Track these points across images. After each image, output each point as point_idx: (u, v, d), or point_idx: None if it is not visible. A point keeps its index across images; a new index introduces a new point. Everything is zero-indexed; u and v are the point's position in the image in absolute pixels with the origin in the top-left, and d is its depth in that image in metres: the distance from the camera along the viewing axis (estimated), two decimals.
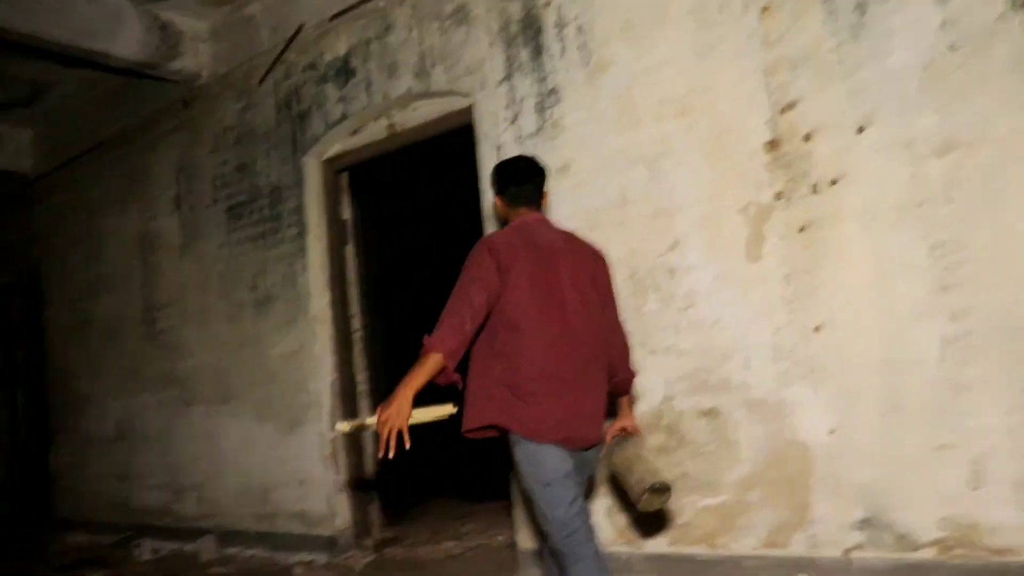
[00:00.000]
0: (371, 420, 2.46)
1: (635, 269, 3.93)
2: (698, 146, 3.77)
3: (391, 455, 2.35)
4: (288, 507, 5.51)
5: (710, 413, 3.71)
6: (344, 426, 2.66)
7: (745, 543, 3.58)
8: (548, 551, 2.76)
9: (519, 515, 4.32)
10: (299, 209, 5.48)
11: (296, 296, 5.49)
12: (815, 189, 3.43)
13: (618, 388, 2.89)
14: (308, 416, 5.38)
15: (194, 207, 6.27)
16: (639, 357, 3.87)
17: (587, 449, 2.70)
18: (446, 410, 2.62)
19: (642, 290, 3.91)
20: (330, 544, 5.25)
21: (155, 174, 6.62)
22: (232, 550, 5.82)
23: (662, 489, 2.62)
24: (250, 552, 5.69)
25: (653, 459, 2.85)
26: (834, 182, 3.38)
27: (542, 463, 2.52)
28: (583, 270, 2.72)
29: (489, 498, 6.09)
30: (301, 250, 5.46)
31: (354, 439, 5.37)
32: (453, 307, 2.50)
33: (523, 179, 2.81)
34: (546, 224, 2.79)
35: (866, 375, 3.29)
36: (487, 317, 2.55)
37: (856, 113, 3.31)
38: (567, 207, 4.13)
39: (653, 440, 3.84)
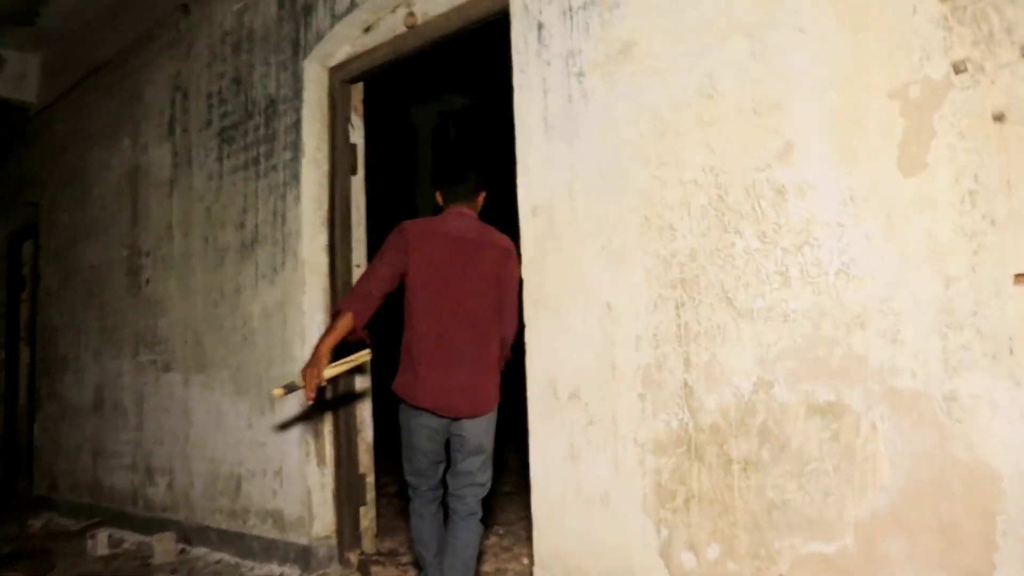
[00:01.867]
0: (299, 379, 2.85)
1: (723, 190, 2.63)
2: (828, 1, 2.45)
3: (310, 401, 2.92)
4: (261, 504, 4.37)
5: (829, 410, 2.37)
6: (278, 391, 2.94)
7: None
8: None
9: (540, 535, 3.07)
10: (296, 126, 4.33)
11: (284, 236, 4.35)
12: None
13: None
14: None
15: (187, 131, 5.21)
16: (725, 318, 2.57)
17: (459, 419, 2.97)
18: (363, 356, 3.10)
19: (731, 220, 2.60)
20: (304, 556, 4.07)
21: (149, 96, 5.60)
22: (197, 551, 4.71)
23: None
24: (216, 557, 4.57)
25: None
26: None
27: (414, 428, 3.00)
28: (487, 262, 3.03)
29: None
30: (295, 178, 4.32)
31: (348, 420, 4.19)
32: (363, 277, 3.04)
33: (457, 181, 3.16)
34: (467, 218, 3.11)
35: None
36: (401, 289, 3.02)
37: None
38: (625, 107, 2.87)
39: (736, 449, 2.53)
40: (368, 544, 4.22)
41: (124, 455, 5.55)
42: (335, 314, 2.96)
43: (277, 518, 4.25)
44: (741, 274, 2.57)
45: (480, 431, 2.98)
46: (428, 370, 2.91)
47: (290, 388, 2.93)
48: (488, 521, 3.37)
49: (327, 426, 4.14)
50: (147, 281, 5.48)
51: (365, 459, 4.26)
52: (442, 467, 3.11)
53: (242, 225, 4.65)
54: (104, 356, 5.90)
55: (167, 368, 5.18)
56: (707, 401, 2.62)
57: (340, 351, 3.02)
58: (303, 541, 4.08)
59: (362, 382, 4.28)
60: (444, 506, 3.13)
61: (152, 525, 5.15)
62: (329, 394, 4.14)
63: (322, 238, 4.27)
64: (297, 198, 4.28)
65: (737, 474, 2.54)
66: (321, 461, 4.11)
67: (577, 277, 2.98)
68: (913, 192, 2.28)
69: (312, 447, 4.10)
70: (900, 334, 2.27)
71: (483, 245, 3.03)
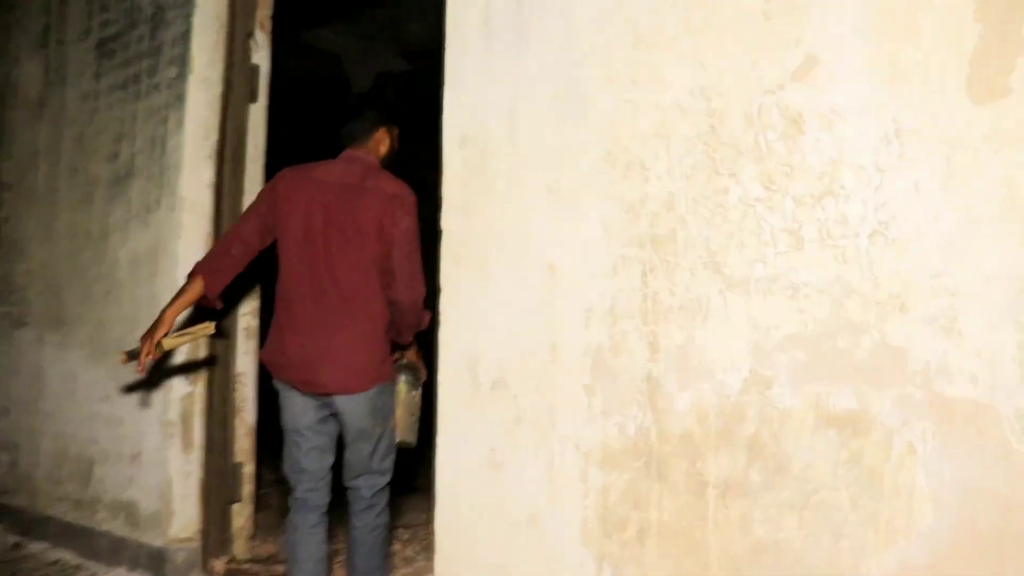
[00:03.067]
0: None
1: (716, 118, 1.95)
2: None
3: (140, 372, 2.60)
4: (115, 493, 3.57)
5: (849, 422, 1.72)
6: (121, 356, 2.54)
7: None
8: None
9: (444, 561, 2.36)
10: (185, 37, 3.52)
11: (162, 170, 3.54)
12: None
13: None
14: None
15: (62, 42, 4.32)
16: (710, 289, 1.89)
17: (329, 395, 2.48)
18: (205, 329, 2.64)
19: (725, 159, 1.93)
20: (157, 560, 3.30)
21: None
22: (34, 547, 3.88)
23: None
24: (54, 555, 3.75)
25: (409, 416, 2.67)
26: None
27: (284, 407, 2.58)
28: (366, 211, 2.46)
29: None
30: (179, 100, 3.51)
31: (226, 396, 3.42)
32: (225, 234, 2.68)
33: (351, 117, 2.67)
34: (355, 162, 2.58)
35: None
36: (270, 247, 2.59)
37: None
38: (590, 7, 2.17)
39: (715, 467, 1.86)
40: (241, 548, 3.46)
41: None
42: (189, 275, 2.55)
43: (131, 512, 3.47)
44: (735, 231, 1.90)
45: (360, 412, 2.49)
46: (292, 337, 2.48)
47: (132, 355, 2.50)
48: (390, 521, 2.69)
49: (198, 403, 3.36)
50: (6, 219, 4.59)
51: (244, 444, 3.50)
52: (326, 462, 2.59)
53: (115, 156, 3.82)
54: None
55: (20, 323, 4.32)
56: (678, 400, 1.94)
57: (201, 318, 2.68)
58: (158, 542, 3.30)
59: (245, 351, 3.51)
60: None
61: None
62: (188, 364, 3.36)
63: (207, 173, 3.48)
64: (180, 123, 3.48)
65: (713, 501, 1.86)
66: (187, 445, 3.33)
67: (513, 227, 2.27)
68: (987, 125, 1.63)
69: (177, 428, 3.32)
70: (956, 322, 1.62)
71: (364, 191, 2.49)
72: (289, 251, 2.51)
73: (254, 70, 3.61)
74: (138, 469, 3.44)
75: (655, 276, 2.00)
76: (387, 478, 2.60)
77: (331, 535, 2.66)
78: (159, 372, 3.37)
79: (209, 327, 2.62)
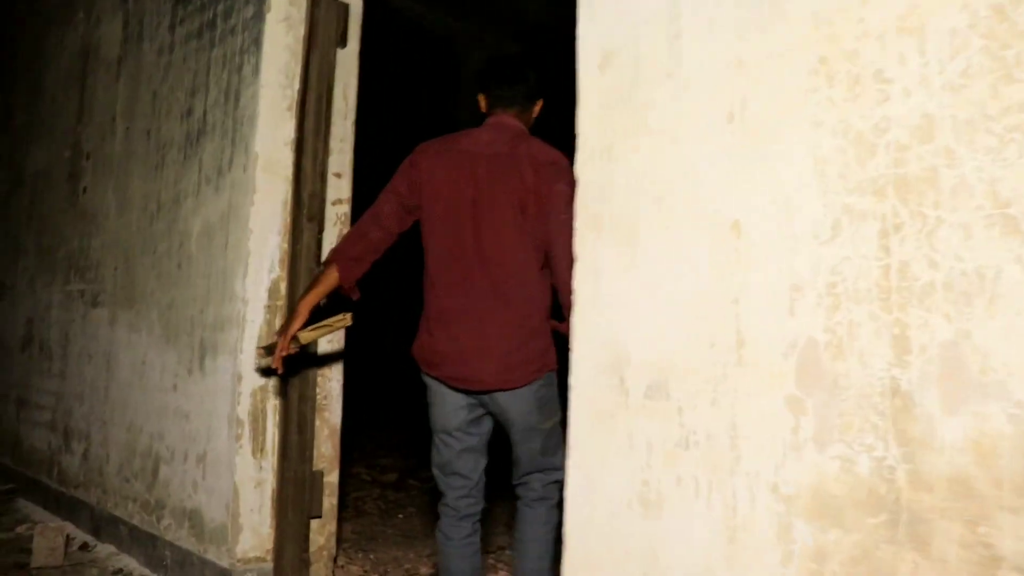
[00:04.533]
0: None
1: None
2: None
3: (278, 369, 2.37)
4: (179, 498, 3.12)
5: None
6: (259, 352, 2.60)
7: None
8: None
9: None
10: None
11: (235, 124, 3.05)
12: None
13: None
14: (224, 340, 2.95)
15: None
16: (999, 257, 1.21)
17: (489, 392, 2.26)
18: (342, 321, 2.46)
19: None
20: None
21: None
22: (101, 550, 3.50)
23: None
24: (119, 563, 3.34)
25: None
26: None
27: (433, 404, 2.35)
28: (520, 183, 2.24)
29: None
30: (255, 43, 3.01)
31: (305, 392, 2.91)
32: (362, 218, 2.41)
33: (509, 79, 2.42)
34: (506, 130, 2.36)
35: None
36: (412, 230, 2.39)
37: None
38: None
39: (1016, 532, 1.18)
40: (323, 571, 2.95)
41: (45, 409, 4.35)
42: (325, 262, 2.44)
43: (195, 522, 3.00)
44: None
45: (525, 408, 2.28)
46: (441, 328, 2.29)
47: (269, 350, 2.43)
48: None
49: (272, 400, 2.86)
50: (84, 190, 4.24)
51: (326, 449, 2.98)
52: (481, 465, 2.39)
53: (189, 112, 3.36)
54: (37, 283, 4.70)
55: (95, 302, 3.95)
56: (944, 427, 1.27)
57: (334, 308, 2.49)
58: (224, 562, 2.82)
59: (329, 339, 2.99)
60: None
61: (64, 504, 3.97)
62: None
63: (287, 128, 2.97)
64: (256, 70, 2.97)
65: None
66: (258, 448, 2.84)
67: (675, 175, 1.63)
68: None
69: (246, 428, 2.83)
70: None
71: (517, 159, 2.27)
72: (435, 233, 2.31)
73: (344, 8, 3.08)
74: (204, 473, 2.97)
75: (902, 238, 1.33)
76: (562, 473, 2.14)
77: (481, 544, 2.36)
78: (228, 360, 2.88)
79: (346, 319, 2.46)
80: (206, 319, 3.05)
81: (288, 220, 2.93)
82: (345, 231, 3.12)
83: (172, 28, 3.59)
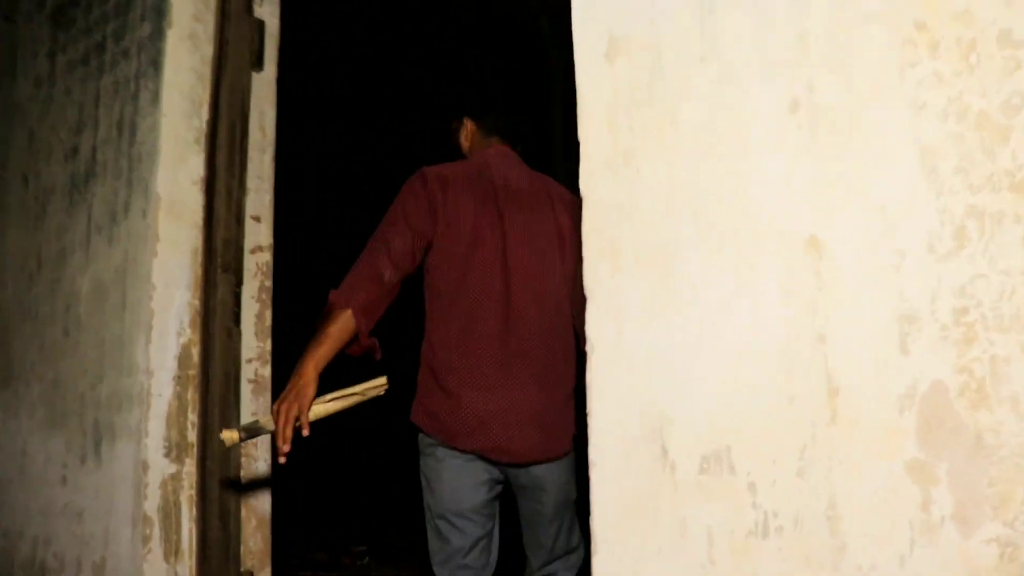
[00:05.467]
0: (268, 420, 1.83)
1: None
2: None
3: (285, 449, 1.76)
4: None
5: None
6: (231, 435, 1.83)
7: None
8: None
9: None
10: None
11: (132, 162, 2.58)
12: None
13: None
14: (124, 421, 2.43)
15: (12, 18, 3.40)
16: None
17: (525, 465, 1.93)
18: (374, 387, 1.90)
19: None
20: None
21: None
22: None
23: None
24: None
25: None
26: None
27: (442, 481, 1.95)
28: (552, 224, 2.04)
29: None
30: (153, 65, 2.55)
31: (227, 473, 2.41)
32: (367, 252, 1.96)
33: (511, 106, 2.21)
34: (513, 161, 2.13)
35: None
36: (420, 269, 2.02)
37: None
38: None
39: None
40: None
41: None
42: (325, 312, 1.91)
43: None
44: None
45: (563, 479, 2.02)
46: (472, 390, 1.93)
47: (251, 431, 1.88)
48: None
49: (186, 491, 2.35)
50: None
51: (255, 544, 2.48)
52: (495, 556, 2.03)
53: (75, 151, 2.86)
54: None
55: None
56: None
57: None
58: None
59: (254, 411, 2.51)
60: None
61: None
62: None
63: (194, 164, 2.50)
64: (155, 97, 2.52)
65: None
66: (172, 551, 2.31)
67: (722, 184, 1.28)
68: None
69: (156, 527, 2.31)
70: None
71: (541, 198, 2.07)
72: (457, 274, 1.97)
73: (259, 25, 2.68)
74: None
75: None
76: (582, 552, 2.09)
77: None
78: (129, 446, 2.37)
79: (381, 384, 1.91)
80: (100, 396, 2.53)
81: (199, 272, 2.45)
82: (267, 283, 2.68)
83: (52, 56, 3.09)
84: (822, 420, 1.15)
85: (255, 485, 2.52)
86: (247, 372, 2.57)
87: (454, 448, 1.94)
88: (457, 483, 1.94)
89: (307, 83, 2.99)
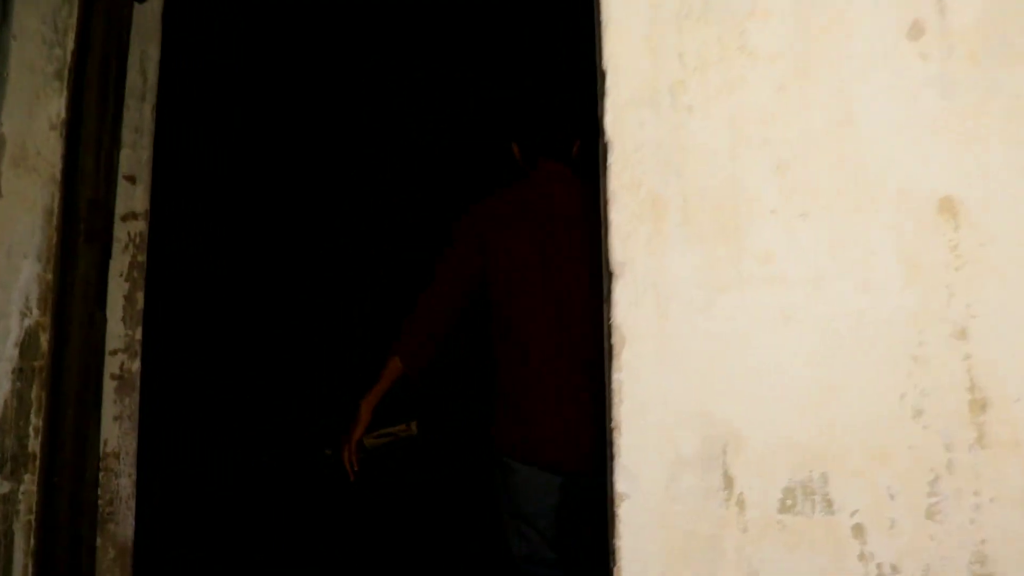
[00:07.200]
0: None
1: None
2: None
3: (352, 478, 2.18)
4: None
5: None
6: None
7: None
8: None
9: None
10: None
11: None
12: None
13: None
14: None
15: None
16: None
17: (576, 474, 2.06)
18: (407, 431, 2.47)
19: None
20: None
21: None
22: None
23: None
24: None
25: None
26: None
27: (518, 490, 2.13)
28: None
29: None
30: None
31: (77, 496, 1.92)
32: (422, 297, 2.19)
33: (546, 125, 2.19)
34: (559, 177, 2.15)
35: None
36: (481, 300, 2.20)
37: None
38: None
39: None
40: None
41: None
42: (389, 354, 2.18)
43: None
44: None
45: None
46: (543, 404, 2.04)
47: (336, 452, 2.20)
48: None
49: (23, 516, 1.84)
50: None
51: None
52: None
53: None
54: None
55: None
56: None
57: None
58: None
59: (117, 414, 2.04)
60: None
61: None
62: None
63: (55, 104, 1.99)
64: (4, 13, 2.01)
65: None
66: None
67: (816, 126, 0.98)
68: None
69: None
70: None
71: (587, 217, 2.07)
72: (509, 304, 2.12)
73: None
74: None
75: None
76: None
77: None
78: None
79: (411, 428, 2.44)
80: None
81: (54, 239, 1.95)
82: (141, 258, 2.20)
83: None
84: (963, 442, 0.86)
85: (116, 507, 2.03)
86: (111, 366, 2.08)
87: (521, 459, 2.10)
88: (533, 489, 2.09)
89: (207, 21, 2.50)
